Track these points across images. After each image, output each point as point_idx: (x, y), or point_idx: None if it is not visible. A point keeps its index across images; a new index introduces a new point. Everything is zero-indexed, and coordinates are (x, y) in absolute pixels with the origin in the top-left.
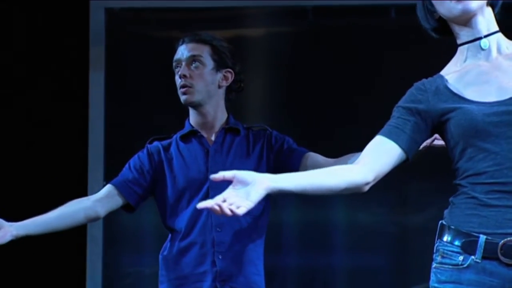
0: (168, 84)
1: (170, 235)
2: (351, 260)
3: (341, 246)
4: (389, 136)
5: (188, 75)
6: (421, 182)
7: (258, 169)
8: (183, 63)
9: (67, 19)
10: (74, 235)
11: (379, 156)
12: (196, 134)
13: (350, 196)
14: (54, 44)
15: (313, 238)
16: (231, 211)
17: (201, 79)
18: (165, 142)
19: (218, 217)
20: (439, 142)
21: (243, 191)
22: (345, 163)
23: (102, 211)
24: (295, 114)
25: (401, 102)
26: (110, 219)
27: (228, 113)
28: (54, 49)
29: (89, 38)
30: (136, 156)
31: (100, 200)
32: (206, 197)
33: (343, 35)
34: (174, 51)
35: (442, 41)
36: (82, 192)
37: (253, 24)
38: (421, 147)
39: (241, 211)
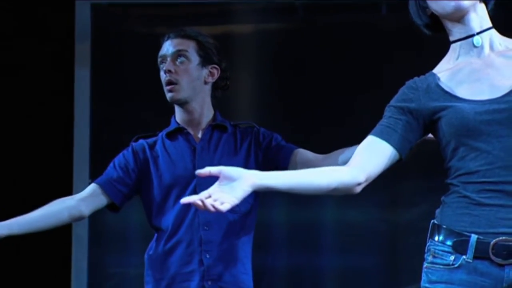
0: (155, 81)
1: (156, 234)
2: (340, 260)
3: (330, 245)
4: (380, 136)
5: (173, 71)
6: (411, 180)
7: (246, 166)
8: (168, 59)
9: (52, 14)
10: (59, 234)
11: (370, 156)
12: (183, 131)
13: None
14: (39, 40)
15: (302, 237)
16: (214, 207)
17: (186, 75)
18: (150, 140)
19: (206, 216)
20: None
21: (229, 187)
22: (336, 159)
23: (86, 210)
24: (284, 111)
25: (392, 102)
26: (96, 218)
27: (214, 110)
28: (39, 45)
29: (75, 34)
30: (120, 154)
31: (84, 199)
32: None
33: (333, 32)
34: (160, 48)
35: (434, 38)
36: (68, 191)
37: (241, 21)
38: None
39: (224, 207)
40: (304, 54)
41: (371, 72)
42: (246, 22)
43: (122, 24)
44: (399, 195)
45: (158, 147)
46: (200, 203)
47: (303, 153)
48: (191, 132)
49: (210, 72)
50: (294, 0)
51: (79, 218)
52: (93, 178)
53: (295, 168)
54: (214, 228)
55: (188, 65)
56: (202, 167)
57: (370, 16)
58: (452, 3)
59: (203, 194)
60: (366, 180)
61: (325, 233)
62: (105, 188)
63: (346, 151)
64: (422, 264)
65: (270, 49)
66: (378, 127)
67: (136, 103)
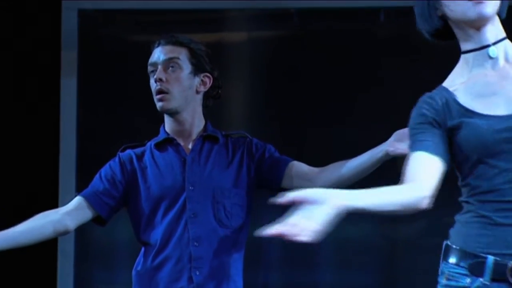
0: (144, 89)
1: (143, 249)
2: (337, 277)
3: (326, 261)
4: (426, 149)
5: (164, 79)
6: None
7: (238, 178)
8: (159, 67)
9: (38, 20)
10: (45, 249)
11: (425, 169)
12: (172, 142)
13: None
14: (24, 47)
15: (296, 253)
16: (296, 236)
17: (177, 84)
18: (138, 150)
19: (196, 231)
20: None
21: (311, 213)
22: (331, 172)
23: (71, 224)
24: (278, 120)
25: (415, 120)
26: (82, 233)
27: (206, 120)
28: (24, 52)
29: (61, 40)
30: (107, 165)
31: (69, 213)
32: (183, 209)
33: (329, 39)
34: (150, 55)
35: (431, 45)
36: (53, 204)
37: (234, 28)
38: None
39: (307, 236)
40: (299, 62)
41: (368, 79)
42: (240, 29)
43: (111, 30)
44: None
45: (147, 157)
46: (282, 233)
47: (298, 166)
48: (181, 143)
49: (202, 81)
50: (289, 6)
51: (64, 233)
52: (79, 190)
53: (290, 181)
54: (204, 244)
55: (180, 74)
56: (192, 179)
57: (368, 23)
58: (477, 10)
59: (287, 224)
60: (431, 194)
61: (320, 248)
62: (91, 201)
63: (342, 164)
64: (421, 281)
65: (265, 57)
66: (417, 143)
67: (124, 112)
